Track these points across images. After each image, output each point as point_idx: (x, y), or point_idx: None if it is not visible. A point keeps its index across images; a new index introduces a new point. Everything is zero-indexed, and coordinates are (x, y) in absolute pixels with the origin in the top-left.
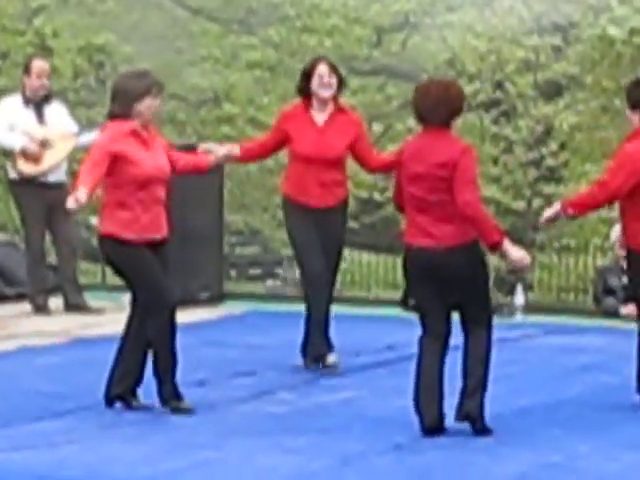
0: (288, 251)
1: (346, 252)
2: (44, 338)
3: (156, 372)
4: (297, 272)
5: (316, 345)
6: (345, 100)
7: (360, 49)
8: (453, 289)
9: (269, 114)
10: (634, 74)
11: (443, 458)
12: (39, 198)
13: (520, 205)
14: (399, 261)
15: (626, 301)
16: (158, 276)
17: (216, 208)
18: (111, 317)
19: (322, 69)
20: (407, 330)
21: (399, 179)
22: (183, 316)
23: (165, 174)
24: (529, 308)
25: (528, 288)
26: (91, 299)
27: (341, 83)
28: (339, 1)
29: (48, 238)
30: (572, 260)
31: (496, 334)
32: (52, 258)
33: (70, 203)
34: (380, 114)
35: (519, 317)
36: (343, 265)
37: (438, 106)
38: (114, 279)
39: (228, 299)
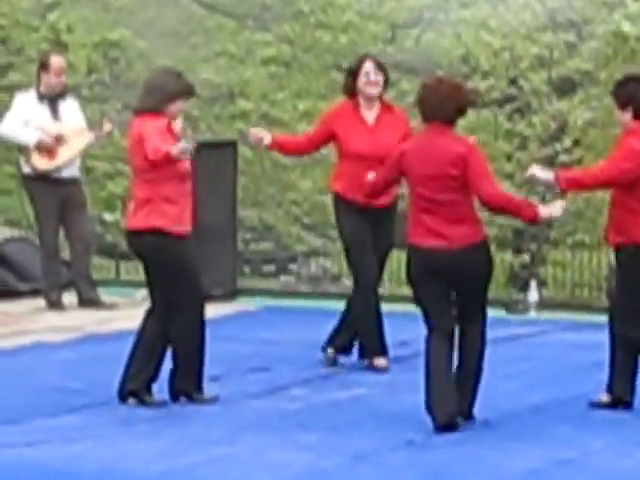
0: (302, 247)
1: None
2: (58, 334)
3: (181, 365)
4: (312, 268)
5: (367, 343)
6: None
7: (374, 45)
8: (460, 288)
9: (283, 110)
10: None
11: (456, 454)
12: (53, 193)
13: (534, 201)
14: None
15: None
16: (199, 271)
17: (230, 204)
18: (125, 313)
19: (368, 67)
20: (420, 326)
21: (390, 171)
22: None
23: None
24: (543, 304)
25: (542, 284)
26: (105, 295)
27: (387, 80)
28: None
29: (62, 234)
30: (586, 256)
31: (510, 330)
32: (65, 254)
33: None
34: None
35: (533, 313)
36: None
37: (447, 102)
38: (128, 275)
39: (242, 295)
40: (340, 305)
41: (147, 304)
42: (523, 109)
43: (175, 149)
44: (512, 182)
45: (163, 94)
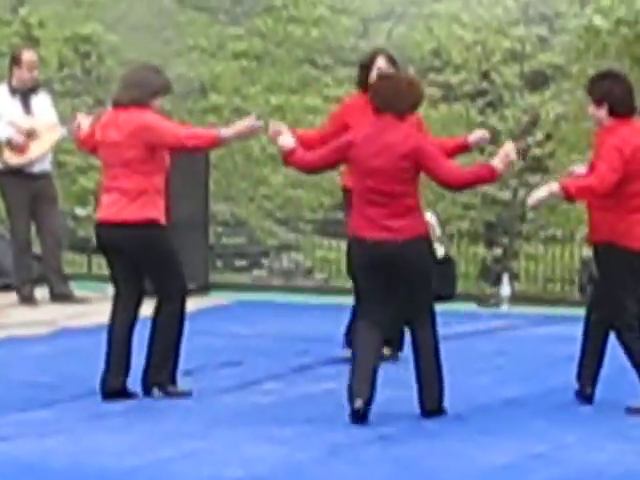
0: (275, 241)
1: (333, 243)
2: (30, 328)
3: (159, 356)
4: (284, 262)
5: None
6: (331, 90)
7: (346, 39)
8: (405, 281)
9: (255, 104)
10: (620, 64)
11: (429, 448)
12: (24, 188)
13: (506, 195)
14: None
15: None
16: (181, 263)
17: (202, 198)
18: (97, 307)
19: (380, 62)
20: None
21: (332, 155)
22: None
23: None
24: (515, 298)
25: (514, 278)
26: (77, 289)
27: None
28: None
29: (33, 229)
30: (558, 250)
31: (482, 325)
32: (37, 248)
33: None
34: None
35: (505, 307)
36: (330, 255)
37: (402, 96)
38: (100, 269)
39: (214, 289)
40: (312, 299)
41: None
42: (495, 103)
43: (226, 132)
44: None
45: (146, 89)
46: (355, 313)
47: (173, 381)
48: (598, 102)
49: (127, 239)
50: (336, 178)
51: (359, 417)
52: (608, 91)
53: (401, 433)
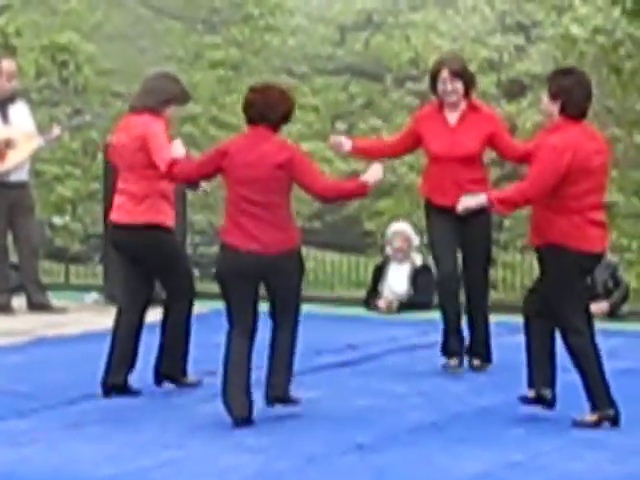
0: None
1: (309, 251)
2: (7, 337)
3: (172, 351)
4: None
5: (448, 343)
6: (308, 99)
7: (324, 48)
8: (271, 292)
9: (232, 113)
10: (597, 73)
11: (405, 457)
12: (1, 197)
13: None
14: (363, 260)
15: (590, 299)
16: (188, 263)
17: (179, 207)
18: (74, 317)
19: (444, 75)
20: (370, 330)
21: (206, 167)
22: (147, 315)
23: None
24: (492, 307)
25: (492, 287)
26: (54, 298)
27: (470, 82)
28: (302, 0)
29: (10, 237)
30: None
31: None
32: (15, 257)
33: None
34: (344, 113)
35: None
36: (308, 264)
37: (274, 107)
38: (77, 278)
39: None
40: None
41: (96, 308)
42: None
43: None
44: None
45: (160, 96)
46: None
47: (184, 373)
48: (554, 97)
49: (131, 241)
50: None
51: (243, 423)
52: (567, 89)
53: (378, 442)
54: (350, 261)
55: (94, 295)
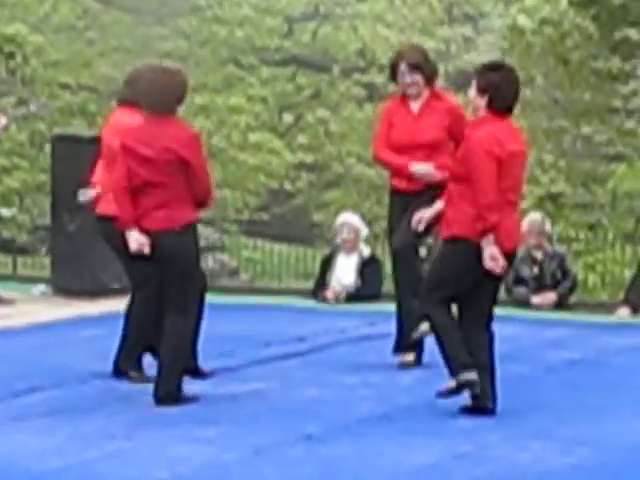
0: (200, 242)
1: (257, 243)
2: None
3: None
4: (209, 263)
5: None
6: (256, 90)
7: (271, 39)
8: (161, 270)
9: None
10: (544, 64)
11: (354, 448)
12: None
13: None
14: (311, 252)
15: (537, 290)
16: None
17: None
18: (22, 308)
19: (402, 68)
20: (318, 321)
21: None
22: (94, 306)
23: None
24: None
25: None
26: (1, 290)
27: (431, 72)
28: None
29: None
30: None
31: None
32: None
33: None
34: (291, 104)
35: None
36: (255, 256)
37: (165, 94)
38: (25, 269)
39: None
40: (237, 300)
41: (43, 299)
42: None
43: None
44: None
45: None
46: (400, 318)
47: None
48: (482, 91)
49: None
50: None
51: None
52: (496, 84)
53: (326, 433)
54: (298, 252)
55: (42, 287)
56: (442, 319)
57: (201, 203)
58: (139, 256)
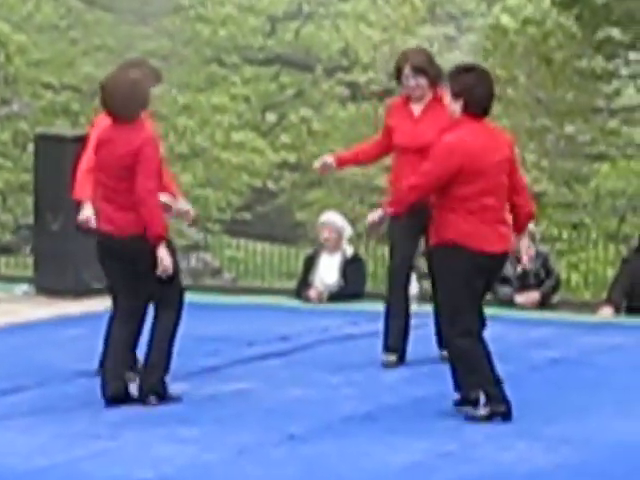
0: (183, 241)
1: (240, 242)
2: None
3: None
4: (192, 262)
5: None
6: (239, 89)
7: (254, 38)
8: (134, 272)
9: (163, 103)
10: (528, 63)
11: (338, 448)
12: None
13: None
14: (294, 251)
15: (521, 289)
16: None
17: None
18: (4, 307)
19: (406, 71)
20: (301, 320)
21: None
22: (77, 306)
23: None
24: (423, 297)
25: (422, 277)
26: None
27: (436, 75)
28: None
29: None
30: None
31: None
32: None
33: None
34: (274, 103)
35: (414, 306)
36: (238, 255)
37: (128, 104)
38: (8, 269)
39: None
40: (220, 299)
41: (26, 299)
42: None
43: None
44: (388, 171)
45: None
46: (437, 315)
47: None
48: (456, 95)
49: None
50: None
51: (115, 402)
52: (470, 87)
53: (310, 433)
54: (281, 252)
55: (24, 286)
56: (470, 349)
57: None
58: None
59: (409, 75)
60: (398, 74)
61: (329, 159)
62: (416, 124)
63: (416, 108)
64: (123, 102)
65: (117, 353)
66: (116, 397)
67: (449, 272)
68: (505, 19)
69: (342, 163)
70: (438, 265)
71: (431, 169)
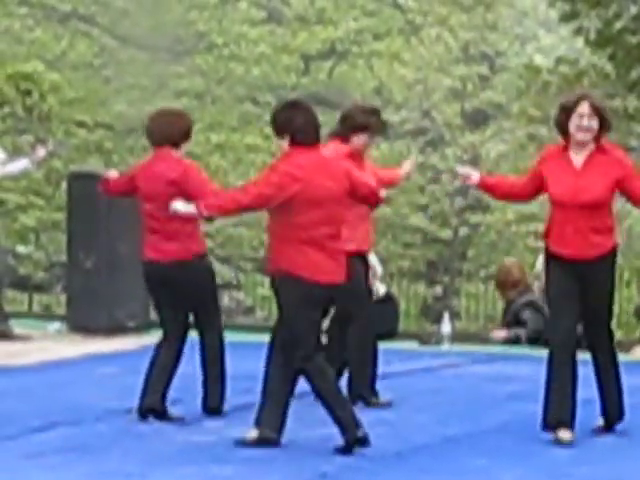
0: (216, 279)
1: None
2: None
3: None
4: (225, 300)
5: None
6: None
7: (288, 77)
8: (181, 298)
9: (196, 142)
10: None
11: None
12: None
13: (447, 234)
14: None
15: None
16: None
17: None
18: (38, 345)
19: (583, 109)
20: None
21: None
22: (110, 344)
23: None
24: (456, 337)
25: (455, 317)
26: (17, 327)
27: (606, 123)
28: (266, 29)
29: None
30: None
31: (423, 363)
32: None
33: None
34: None
35: (446, 346)
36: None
37: (173, 131)
38: (39, 308)
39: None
40: (253, 337)
41: (59, 336)
42: (436, 141)
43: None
44: (425, 214)
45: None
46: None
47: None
48: (279, 132)
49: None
50: None
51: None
52: (288, 121)
53: (341, 471)
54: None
55: (57, 324)
56: (317, 369)
57: None
58: None
59: (585, 114)
60: (567, 115)
61: (475, 173)
62: (578, 177)
63: (577, 159)
64: (168, 128)
65: (160, 373)
66: (152, 409)
67: (284, 301)
68: (538, 59)
69: (482, 185)
70: (275, 293)
71: (259, 185)
